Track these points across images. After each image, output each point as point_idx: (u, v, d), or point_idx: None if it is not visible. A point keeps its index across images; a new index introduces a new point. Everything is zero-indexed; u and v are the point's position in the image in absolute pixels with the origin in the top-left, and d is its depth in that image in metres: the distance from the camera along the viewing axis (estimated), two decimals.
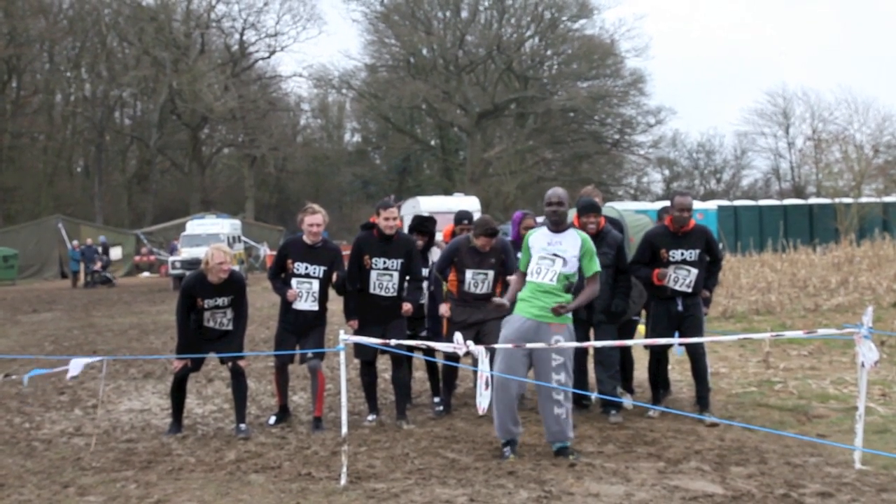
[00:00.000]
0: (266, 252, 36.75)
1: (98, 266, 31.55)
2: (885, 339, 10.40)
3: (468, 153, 51.76)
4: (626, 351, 7.94)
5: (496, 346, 6.04)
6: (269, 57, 54.39)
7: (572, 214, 7.41)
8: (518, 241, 7.56)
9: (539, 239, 6.28)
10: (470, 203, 29.58)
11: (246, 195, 51.04)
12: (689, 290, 7.25)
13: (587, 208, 7.22)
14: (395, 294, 7.33)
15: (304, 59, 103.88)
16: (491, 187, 47.45)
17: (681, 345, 7.50)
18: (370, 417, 7.53)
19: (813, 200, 37.63)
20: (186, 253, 27.54)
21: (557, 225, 6.25)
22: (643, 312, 8.01)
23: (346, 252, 7.62)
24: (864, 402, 5.65)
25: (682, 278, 7.27)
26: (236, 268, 7.59)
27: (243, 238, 34.27)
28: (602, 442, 6.55)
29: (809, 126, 53.16)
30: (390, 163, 58.26)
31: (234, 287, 7.14)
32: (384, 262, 7.30)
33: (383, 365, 8.93)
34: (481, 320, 7.50)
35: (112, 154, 53.63)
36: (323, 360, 7.64)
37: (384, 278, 7.29)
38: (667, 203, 8.41)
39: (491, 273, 7.55)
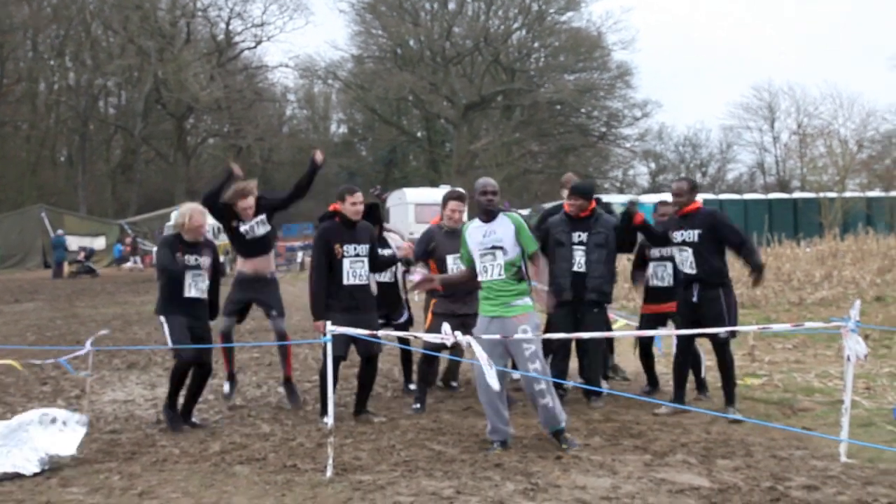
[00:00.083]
0: None
1: (81, 256, 31.34)
2: (868, 333, 10.43)
3: (454, 145, 51.73)
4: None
5: (483, 336, 5.98)
6: (255, 47, 54.26)
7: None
8: None
9: (474, 234, 6.30)
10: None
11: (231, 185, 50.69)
12: (693, 272, 7.22)
13: (576, 191, 7.65)
14: (367, 281, 7.22)
15: (291, 50, 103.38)
16: (477, 179, 47.31)
17: (679, 338, 7.45)
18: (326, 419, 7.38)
19: (797, 195, 37.83)
20: None
21: (489, 214, 6.30)
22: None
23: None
24: (850, 396, 5.67)
25: (685, 260, 7.29)
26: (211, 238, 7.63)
27: None
28: (588, 434, 6.54)
29: (795, 121, 53.56)
30: (376, 154, 58.12)
31: (210, 248, 7.27)
32: (355, 249, 7.08)
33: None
34: (467, 314, 7.45)
35: (96, 143, 53.16)
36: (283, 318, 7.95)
37: (357, 265, 7.08)
38: (661, 196, 8.50)
39: None
